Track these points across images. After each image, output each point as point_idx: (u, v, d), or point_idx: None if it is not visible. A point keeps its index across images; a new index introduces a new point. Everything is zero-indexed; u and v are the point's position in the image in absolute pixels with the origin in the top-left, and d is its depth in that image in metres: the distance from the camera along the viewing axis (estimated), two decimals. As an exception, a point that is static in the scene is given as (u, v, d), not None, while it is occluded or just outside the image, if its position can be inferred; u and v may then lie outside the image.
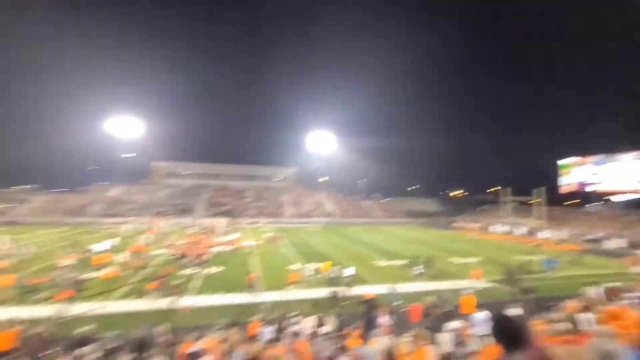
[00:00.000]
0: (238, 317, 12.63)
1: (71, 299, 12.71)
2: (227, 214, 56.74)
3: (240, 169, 78.83)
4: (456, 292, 13.70)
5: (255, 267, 20.60)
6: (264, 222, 54.42)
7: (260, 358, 5.40)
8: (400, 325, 9.78)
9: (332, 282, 17.36)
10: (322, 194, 75.76)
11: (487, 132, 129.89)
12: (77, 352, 7.23)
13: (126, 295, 15.38)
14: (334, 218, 62.17)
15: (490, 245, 35.70)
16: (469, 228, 55.18)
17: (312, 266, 21.03)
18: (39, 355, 7.54)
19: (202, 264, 21.33)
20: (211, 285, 17.29)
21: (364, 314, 10.58)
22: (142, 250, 23.95)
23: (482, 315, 9.17)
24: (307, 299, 14.32)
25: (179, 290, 14.31)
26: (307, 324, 8.49)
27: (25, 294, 14.66)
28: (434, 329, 7.75)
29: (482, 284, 17.95)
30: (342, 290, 14.84)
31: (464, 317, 10.89)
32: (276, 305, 13.32)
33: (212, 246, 26.14)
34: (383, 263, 24.19)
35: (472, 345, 7.13)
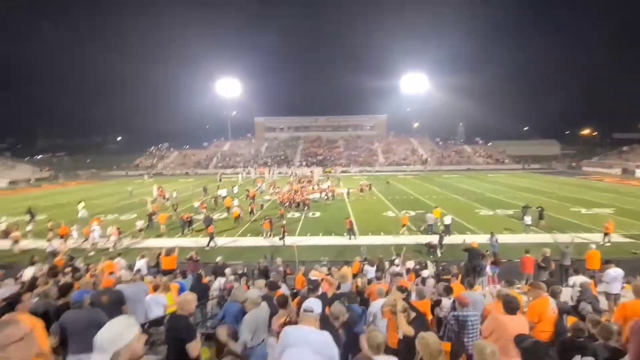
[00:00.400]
0: (336, 256, 13.87)
1: (210, 234, 15.87)
2: (320, 163, 59.52)
3: (332, 120, 79.93)
4: (580, 245, 11.96)
5: (349, 214, 21.61)
6: (357, 171, 55.46)
7: (366, 291, 5.91)
8: (509, 276, 9.21)
9: (429, 229, 17.16)
10: (415, 141, 71.88)
11: (628, 55, 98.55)
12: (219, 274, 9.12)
13: (245, 233, 18.27)
14: (429, 166, 58.99)
15: (630, 194, 29.12)
16: (603, 173, 45.64)
17: (410, 213, 20.92)
18: (194, 273, 9.81)
19: (303, 209, 23.36)
20: (310, 228, 19.03)
21: (466, 262, 10.28)
22: (255, 195, 27.42)
23: (613, 272, 7.94)
24: (405, 244, 14.55)
25: (286, 230, 16.24)
26: (408, 267, 8.74)
27: (178, 228, 18.84)
28: (551, 283, 7.06)
29: (613, 237, 15.20)
30: (441, 238, 14.54)
31: (589, 273, 9.63)
32: (372, 248, 13.98)
33: (309, 194, 28.18)
34: (486, 212, 22.41)
35: (599, 304, 6.31)
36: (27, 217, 20.61)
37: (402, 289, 4.38)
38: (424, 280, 6.92)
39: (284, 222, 17.83)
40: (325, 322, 2.92)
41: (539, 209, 18.83)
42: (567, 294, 6.87)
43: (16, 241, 15.88)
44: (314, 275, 6.37)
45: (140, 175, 53.22)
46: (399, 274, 7.39)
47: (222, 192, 28.35)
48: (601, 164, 53.40)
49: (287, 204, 24.76)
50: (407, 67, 78.65)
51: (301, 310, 2.65)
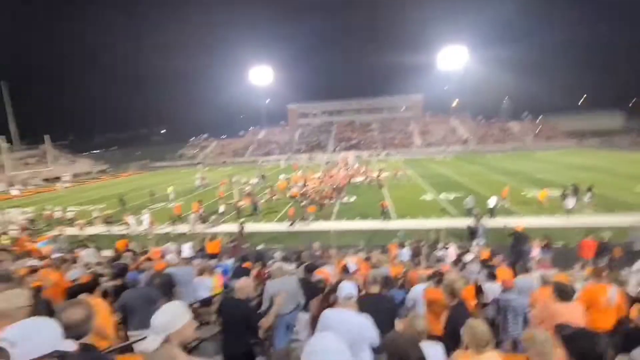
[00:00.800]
0: (372, 240, 13.81)
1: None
2: (355, 147, 58.83)
3: (365, 103, 78.13)
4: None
5: (385, 197, 21.29)
6: (393, 154, 54.15)
7: (405, 276, 5.85)
8: (564, 261, 8.60)
9: (470, 212, 16.38)
10: (454, 120, 68.25)
11: None
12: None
13: (286, 218, 18.74)
14: (470, 146, 55.91)
15: None
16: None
17: (450, 196, 20.16)
18: (237, 258, 10.32)
19: (339, 194, 23.36)
20: (347, 212, 19.03)
21: (512, 246, 9.75)
22: (295, 182, 27.78)
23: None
24: (444, 228, 14.09)
25: (324, 215, 16.46)
26: (450, 251, 8.49)
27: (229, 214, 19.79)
28: (614, 268, 6.48)
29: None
30: (484, 221, 13.85)
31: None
32: (410, 232, 13.70)
33: (344, 178, 28.09)
34: (534, 194, 20.91)
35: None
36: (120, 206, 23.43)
37: (436, 275, 4.24)
38: (464, 266, 6.68)
39: (322, 208, 18.11)
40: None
41: (589, 190, 17.15)
42: (633, 279, 6.27)
43: (81, 228, 17.72)
44: (349, 261, 6.39)
45: (190, 165, 56.33)
46: (440, 260, 7.22)
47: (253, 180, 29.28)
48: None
49: (323, 189, 24.82)
50: (443, 41, 73.73)
51: (341, 296, 2.68)
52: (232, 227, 17.17)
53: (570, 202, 15.49)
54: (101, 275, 5.48)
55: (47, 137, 49.42)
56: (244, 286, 3.62)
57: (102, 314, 3.04)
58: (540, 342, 2.07)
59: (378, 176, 28.60)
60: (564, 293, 3.07)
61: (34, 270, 5.55)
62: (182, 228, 17.59)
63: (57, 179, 49.20)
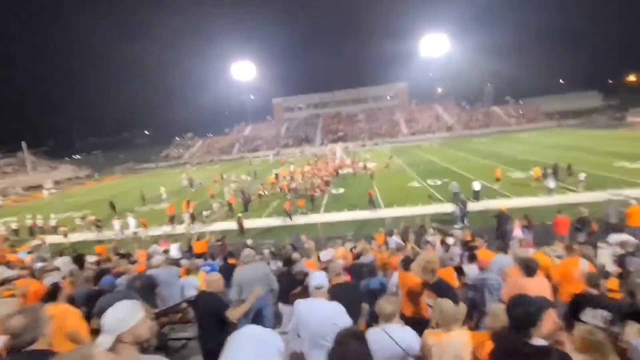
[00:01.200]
0: (360, 230, 13.96)
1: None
2: (342, 139, 58.85)
3: (350, 93, 78.03)
4: (624, 202, 11.19)
5: (373, 187, 21.43)
6: (379, 144, 54.44)
7: (389, 263, 5.94)
8: (546, 239, 8.84)
9: (455, 197, 16.63)
10: (439, 107, 68.87)
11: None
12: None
13: (276, 212, 18.72)
14: (456, 132, 56.62)
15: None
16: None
17: (436, 182, 20.38)
18: (222, 256, 10.28)
19: (327, 186, 23.40)
20: (335, 204, 19.12)
21: (497, 228, 9.97)
22: (284, 176, 27.64)
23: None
24: (429, 214, 14.30)
25: (314, 207, 16.54)
26: (433, 236, 8.64)
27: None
28: (589, 243, 6.70)
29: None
30: (468, 205, 14.12)
31: (630, 230, 9.04)
32: (397, 220, 13.86)
33: (332, 170, 28.12)
34: (518, 175, 21.39)
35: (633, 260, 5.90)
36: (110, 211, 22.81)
37: (404, 260, 4.29)
38: (448, 248, 6.81)
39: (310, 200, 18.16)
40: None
41: (568, 167, 17.84)
42: (604, 253, 6.50)
43: (65, 235, 17.33)
44: (331, 253, 6.44)
45: (176, 166, 55.41)
46: (429, 242, 7.36)
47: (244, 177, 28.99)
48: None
49: (311, 182, 24.82)
50: (425, 29, 73.98)
51: (311, 286, 2.70)
52: (225, 225, 17.14)
53: (552, 182, 15.85)
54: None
55: (24, 144, 47.82)
56: (214, 280, 3.66)
57: (72, 319, 2.99)
58: (498, 314, 2.16)
59: (364, 167, 28.74)
60: (529, 269, 3.17)
61: (8, 280, 5.42)
62: (175, 229, 17.45)
63: (39, 186, 47.92)
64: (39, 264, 9.63)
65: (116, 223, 17.73)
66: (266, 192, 22.36)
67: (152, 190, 31.64)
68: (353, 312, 2.76)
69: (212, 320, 3.39)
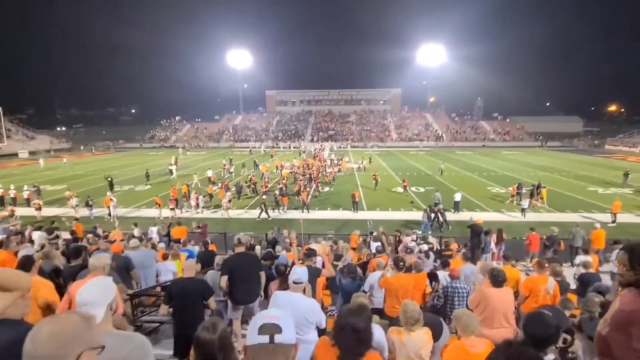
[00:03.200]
0: (341, 229, 14.14)
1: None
2: (332, 138, 59.01)
3: (344, 93, 78.19)
4: (590, 225, 11.78)
5: (357, 188, 21.68)
6: (368, 146, 54.88)
7: (370, 264, 6.08)
8: (516, 254, 9.24)
9: (435, 206, 17.04)
10: (430, 116, 70.00)
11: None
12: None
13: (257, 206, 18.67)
14: (443, 142, 57.72)
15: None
16: (626, 152, 43.96)
17: (420, 189, 20.81)
18: (202, 242, 10.21)
19: (313, 184, 23.46)
20: (319, 202, 19.23)
21: (470, 238, 10.30)
22: (267, 171, 27.40)
23: (616, 252, 7.82)
24: (409, 220, 14.65)
25: (298, 203, 16.59)
26: (409, 241, 8.87)
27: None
28: (554, 262, 7.05)
29: (625, 218, 14.94)
30: (442, 215, 14.54)
31: (597, 252, 9.54)
32: (379, 223, 14.10)
33: (320, 168, 28.21)
34: (498, 190, 22.10)
35: (602, 283, 6.28)
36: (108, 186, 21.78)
37: (397, 260, 4.47)
38: (427, 254, 7.04)
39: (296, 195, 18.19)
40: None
41: (537, 187, 18.68)
42: (570, 272, 6.87)
43: (38, 208, 16.71)
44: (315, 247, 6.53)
45: (162, 148, 54.08)
46: (399, 248, 7.54)
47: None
48: (625, 142, 51.13)
49: (298, 179, 24.79)
50: (423, 39, 75.41)
51: (291, 280, 2.78)
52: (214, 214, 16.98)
53: (525, 203, 16.44)
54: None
55: None
56: (192, 266, 3.80)
57: (45, 290, 2.99)
58: (464, 319, 2.31)
59: (339, 169, 29.17)
60: (497, 279, 3.36)
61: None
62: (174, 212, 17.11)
63: (13, 155, 45.83)
64: (6, 234, 9.33)
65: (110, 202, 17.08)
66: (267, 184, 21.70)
67: (138, 171, 30.94)
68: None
69: (196, 301, 3.45)
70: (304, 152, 44.25)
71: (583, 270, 6.61)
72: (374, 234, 10.74)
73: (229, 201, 17.31)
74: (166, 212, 17.00)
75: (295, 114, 73.78)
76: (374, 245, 9.22)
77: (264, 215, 16.41)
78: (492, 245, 10.31)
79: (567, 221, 14.70)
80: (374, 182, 22.31)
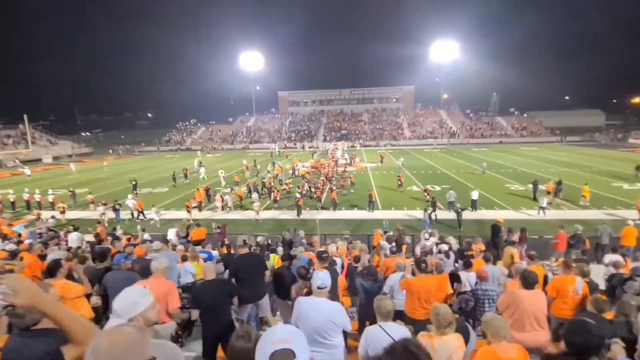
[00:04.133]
0: (357, 229, 14.05)
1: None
2: (344, 137, 58.79)
3: (356, 92, 77.76)
4: (619, 222, 11.31)
5: (371, 188, 21.50)
6: (381, 144, 54.42)
7: (383, 264, 6.00)
8: (539, 254, 8.93)
9: (451, 205, 16.73)
10: (444, 113, 68.80)
11: None
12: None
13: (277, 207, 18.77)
14: (458, 139, 56.63)
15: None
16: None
17: (435, 187, 20.50)
18: (220, 243, 10.34)
19: (329, 183, 23.37)
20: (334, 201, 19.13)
21: (492, 238, 10.05)
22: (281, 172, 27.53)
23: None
24: (399, 219, 14.44)
25: (314, 203, 16.62)
26: (428, 241, 8.72)
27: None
28: (580, 262, 6.79)
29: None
30: (464, 213, 14.25)
31: (623, 250, 9.14)
32: (394, 223, 13.95)
33: (333, 168, 28.15)
34: (517, 187, 21.50)
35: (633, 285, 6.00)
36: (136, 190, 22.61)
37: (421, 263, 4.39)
38: (447, 255, 6.89)
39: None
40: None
41: (559, 183, 17.97)
42: (599, 272, 6.60)
43: (63, 212, 17.30)
44: (332, 249, 6.50)
45: (178, 151, 55.22)
46: (424, 249, 7.43)
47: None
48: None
49: (314, 179, 24.83)
50: (436, 35, 73.82)
51: (314, 286, 2.76)
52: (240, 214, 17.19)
53: (543, 201, 15.79)
54: (85, 258, 5.43)
55: (25, 117, 47.42)
56: (211, 269, 3.84)
57: (69, 295, 3.06)
58: (494, 323, 2.22)
59: (347, 166, 28.96)
60: (528, 280, 3.23)
61: (13, 253, 5.45)
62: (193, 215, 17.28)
63: (38, 160, 47.64)
64: (35, 239, 9.69)
65: (130, 203, 17.57)
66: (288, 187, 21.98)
67: (156, 173, 31.67)
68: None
69: (219, 305, 3.51)
70: (316, 152, 44.28)
71: (613, 270, 6.33)
72: (389, 233, 10.61)
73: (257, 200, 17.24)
74: (187, 214, 17.10)
75: (308, 114, 73.87)
76: (385, 245, 9.13)
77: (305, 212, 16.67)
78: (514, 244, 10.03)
79: (590, 218, 14.19)
80: (398, 183, 21.71)
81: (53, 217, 15.53)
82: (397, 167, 28.93)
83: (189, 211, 16.64)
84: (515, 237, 9.93)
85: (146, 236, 10.97)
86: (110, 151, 57.53)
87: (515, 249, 6.43)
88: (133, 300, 1.67)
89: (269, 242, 10.54)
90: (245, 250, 4.98)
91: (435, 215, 14.93)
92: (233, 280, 4.23)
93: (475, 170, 28.10)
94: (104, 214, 16.33)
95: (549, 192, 17.82)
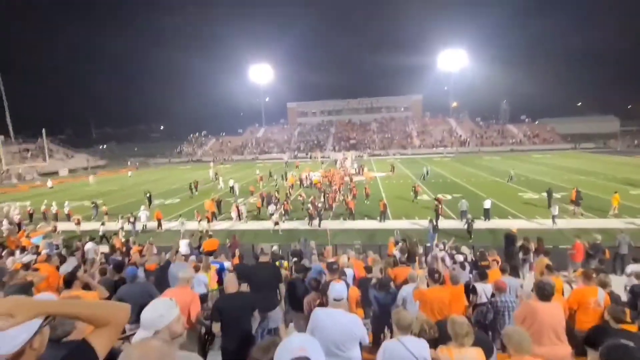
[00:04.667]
0: (369, 240, 13.94)
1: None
2: (353, 147, 58.92)
3: (364, 102, 78.17)
4: (636, 231, 10.96)
5: (382, 198, 21.36)
6: (390, 154, 54.29)
7: (396, 274, 5.93)
8: (557, 264, 8.70)
9: (463, 214, 16.49)
10: (453, 121, 68.45)
11: None
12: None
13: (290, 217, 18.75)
14: (468, 147, 56.13)
15: None
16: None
17: (446, 197, 20.28)
18: (232, 254, 10.39)
19: (339, 194, 23.31)
20: (344, 212, 19.07)
21: (505, 248, 9.86)
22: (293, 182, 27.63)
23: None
24: (401, 229, 14.24)
25: (322, 214, 16.55)
26: (440, 251, 8.59)
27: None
28: (600, 272, 6.59)
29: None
30: (470, 225, 13.97)
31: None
32: (405, 233, 13.81)
33: (343, 178, 28.15)
34: (531, 196, 21.08)
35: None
36: (146, 202, 22.67)
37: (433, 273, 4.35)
38: (463, 266, 6.78)
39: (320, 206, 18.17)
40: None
41: (577, 192, 17.32)
42: (620, 283, 6.39)
43: (78, 223, 17.68)
44: (344, 260, 6.47)
45: (187, 161, 56.16)
46: (436, 257, 7.32)
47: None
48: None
49: (324, 189, 24.80)
50: (444, 43, 74.44)
51: (330, 298, 2.76)
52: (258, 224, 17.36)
53: (555, 210, 15.35)
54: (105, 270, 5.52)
55: (43, 131, 49.07)
56: (232, 281, 3.82)
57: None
58: (516, 337, 2.18)
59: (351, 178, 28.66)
60: (544, 292, 3.16)
61: (27, 266, 5.60)
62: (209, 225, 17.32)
63: (55, 173, 48.99)
64: (52, 250, 9.91)
65: (143, 214, 17.82)
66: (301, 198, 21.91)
67: (168, 184, 32.15)
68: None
69: (241, 319, 3.53)
70: (324, 162, 44.40)
71: (635, 281, 6.12)
72: (400, 244, 10.51)
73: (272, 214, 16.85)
74: (206, 225, 17.00)
75: (316, 125, 74.50)
76: (399, 256, 9.03)
77: (315, 222, 16.60)
78: (530, 255, 9.80)
79: (608, 227, 13.78)
80: (412, 193, 21.23)
81: (103, 223, 16.28)
82: (422, 175, 29.53)
83: (208, 221, 16.80)
84: (532, 247, 9.70)
85: (154, 250, 11.02)
86: (129, 163, 58.90)
87: (547, 259, 6.27)
88: (160, 312, 1.73)
89: (280, 252, 10.56)
90: (265, 259, 4.97)
91: (437, 222, 14.53)
92: (246, 286, 4.24)
93: (501, 178, 27.66)
94: (122, 227, 16.38)
95: (572, 201, 17.18)
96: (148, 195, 23.26)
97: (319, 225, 16.32)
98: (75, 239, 15.61)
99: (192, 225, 17.22)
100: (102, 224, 16.20)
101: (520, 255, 9.66)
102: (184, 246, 11.67)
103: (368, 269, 6.12)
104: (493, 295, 4.61)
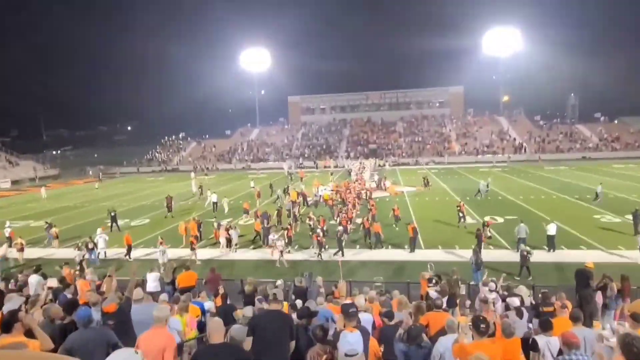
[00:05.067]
0: (395, 275, 13.80)
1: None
2: (373, 154, 59.06)
3: (388, 96, 78.76)
4: None
5: (411, 218, 21.21)
6: (422, 163, 54.21)
7: (430, 322, 5.82)
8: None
9: (519, 243, 16.14)
10: (505, 121, 68.29)
11: None
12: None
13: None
14: (525, 154, 55.72)
15: None
16: None
17: (496, 219, 20.04)
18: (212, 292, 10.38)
19: (356, 211, 23.12)
20: (360, 238, 18.97)
21: (576, 288, 9.62)
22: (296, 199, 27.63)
23: None
24: (486, 262, 13.99)
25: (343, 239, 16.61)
26: (491, 292, 8.46)
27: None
28: None
29: None
30: (525, 259, 13.70)
31: None
32: (442, 265, 13.63)
33: (359, 194, 28.11)
34: (610, 219, 20.69)
35: None
36: (108, 222, 22.95)
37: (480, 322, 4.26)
38: (521, 314, 6.64)
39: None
40: None
41: None
42: None
43: (21, 249, 17.95)
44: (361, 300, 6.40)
45: (162, 172, 56.95)
46: (484, 301, 7.19)
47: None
48: None
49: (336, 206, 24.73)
50: (491, 21, 74.74)
51: (342, 352, 2.72)
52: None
53: None
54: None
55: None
56: (219, 328, 3.71)
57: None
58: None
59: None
60: (632, 351, 3.04)
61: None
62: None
63: (-7, 185, 50.17)
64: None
65: (101, 239, 18.00)
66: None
67: (135, 200, 32.60)
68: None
69: None
70: (334, 172, 44.50)
71: None
72: (436, 281, 10.38)
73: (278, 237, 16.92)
74: (191, 252, 17.20)
75: (326, 124, 75.18)
76: (434, 295, 8.92)
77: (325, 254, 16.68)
78: (611, 299, 9.56)
79: None
80: (459, 214, 20.54)
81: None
82: (482, 191, 28.32)
83: (192, 248, 16.87)
84: (614, 288, 9.46)
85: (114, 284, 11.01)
86: (90, 172, 60.00)
87: (636, 304, 6.08)
88: None
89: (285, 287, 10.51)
90: (276, 307, 5.05)
91: (480, 252, 14.26)
92: (251, 340, 4.15)
93: (570, 195, 27.32)
94: (83, 257, 16.45)
95: None
96: (113, 213, 23.40)
97: (318, 255, 16.30)
98: (17, 269, 15.88)
99: (177, 252, 17.36)
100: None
101: (599, 299, 9.43)
102: (152, 281, 11.72)
103: (392, 315, 6.04)
104: (560, 352, 4.50)
